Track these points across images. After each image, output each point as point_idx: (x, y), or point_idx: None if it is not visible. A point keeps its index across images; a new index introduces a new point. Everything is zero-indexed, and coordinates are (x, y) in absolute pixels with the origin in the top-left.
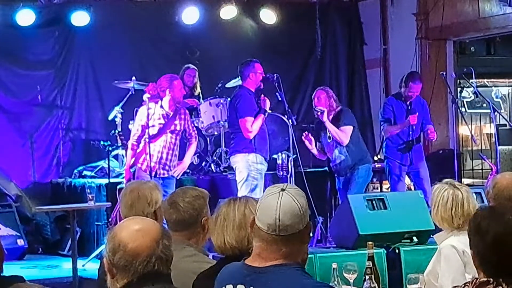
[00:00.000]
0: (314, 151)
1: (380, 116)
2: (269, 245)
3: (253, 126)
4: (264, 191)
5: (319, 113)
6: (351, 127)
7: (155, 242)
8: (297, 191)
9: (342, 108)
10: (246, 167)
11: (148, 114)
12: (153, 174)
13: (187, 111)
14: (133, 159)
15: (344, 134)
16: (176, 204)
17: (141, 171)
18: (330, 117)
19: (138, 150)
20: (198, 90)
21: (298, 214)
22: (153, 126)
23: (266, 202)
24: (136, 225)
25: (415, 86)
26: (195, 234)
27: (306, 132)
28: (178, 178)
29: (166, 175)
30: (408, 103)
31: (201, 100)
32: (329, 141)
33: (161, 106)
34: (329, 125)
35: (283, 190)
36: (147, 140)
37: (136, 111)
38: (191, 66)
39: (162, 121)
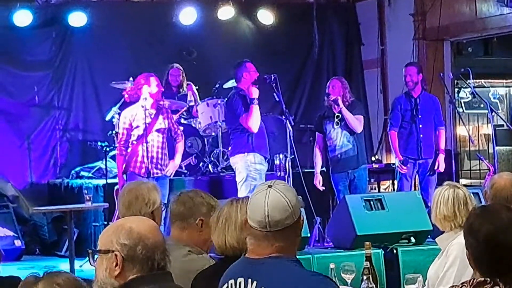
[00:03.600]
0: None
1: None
2: (262, 241)
3: (249, 121)
4: None
5: (333, 104)
6: (362, 117)
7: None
8: (285, 186)
9: (354, 99)
10: (245, 167)
11: (145, 116)
12: (146, 175)
13: (169, 110)
14: (124, 164)
15: (359, 122)
16: (179, 196)
17: (135, 174)
18: (340, 109)
19: (127, 155)
20: (184, 88)
21: (287, 209)
22: (137, 127)
23: (255, 199)
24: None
25: (407, 68)
26: (189, 228)
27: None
28: (171, 177)
29: (159, 175)
30: (416, 98)
31: (197, 98)
32: (335, 127)
33: (142, 106)
34: (346, 112)
35: (270, 186)
36: (134, 142)
37: None
38: (175, 65)
39: (146, 121)
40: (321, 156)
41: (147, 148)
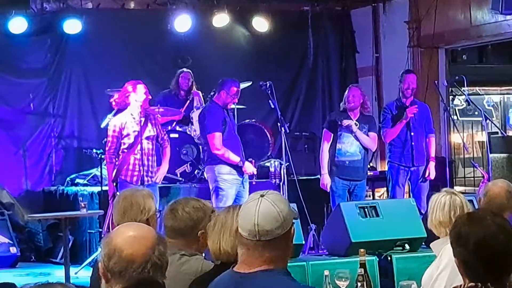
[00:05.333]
0: None
1: (379, 123)
2: (252, 251)
3: (225, 155)
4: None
5: (346, 126)
6: (376, 135)
7: (151, 248)
8: (277, 196)
9: (373, 115)
10: (213, 178)
11: (139, 122)
12: (139, 182)
13: (156, 117)
14: (115, 171)
15: (373, 141)
16: (175, 212)
17: (126, 182)
18: (357, 116)
19: (117, 162)
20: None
21: (278, 219)
22: (128, 135)
23: (246, 208)
24: (132, 231)
25: (408, 75)
26: (189, 245)
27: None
28: (160, 184)
29: (150, 182)
30: (408, 105)
31: (203, 103)
32: (352, 134)
33: (131, 114)
34: (360, 134)
35: (262, 196)
36: (125, 150)
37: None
38: (185, 69)
39: (136, 129)
40: (328, 156)
41: (141, 156)
